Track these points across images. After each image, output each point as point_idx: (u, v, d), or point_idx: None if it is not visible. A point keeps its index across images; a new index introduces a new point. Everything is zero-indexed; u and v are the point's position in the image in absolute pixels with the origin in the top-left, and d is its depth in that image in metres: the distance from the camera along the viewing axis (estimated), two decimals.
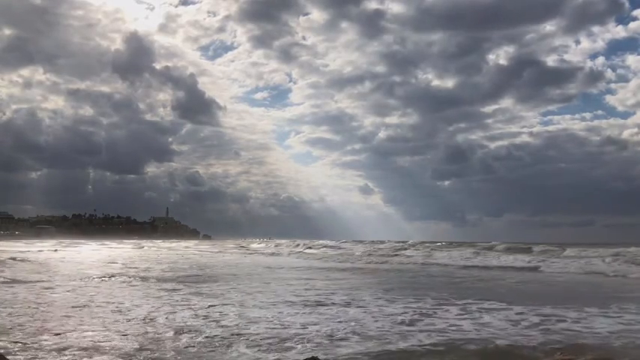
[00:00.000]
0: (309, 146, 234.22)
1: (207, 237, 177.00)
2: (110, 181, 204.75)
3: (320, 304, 11.79)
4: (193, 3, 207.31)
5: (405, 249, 45.70)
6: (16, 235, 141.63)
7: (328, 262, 33.35)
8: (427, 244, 48.38)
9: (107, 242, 79.69)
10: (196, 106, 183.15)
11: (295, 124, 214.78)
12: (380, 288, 15.67)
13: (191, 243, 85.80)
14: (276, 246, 63.42)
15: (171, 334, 8.21)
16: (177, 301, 12.01)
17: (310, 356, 6.51)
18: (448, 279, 20.08)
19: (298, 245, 58.33)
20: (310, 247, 52.29)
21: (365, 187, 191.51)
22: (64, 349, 7.04)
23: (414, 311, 10.72)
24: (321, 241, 69.15)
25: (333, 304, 11.81)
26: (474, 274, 22.54)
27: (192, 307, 11.05)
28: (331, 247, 54.67)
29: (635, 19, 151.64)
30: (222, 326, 8.89)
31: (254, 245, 70.71)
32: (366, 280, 19.35)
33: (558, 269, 23.52)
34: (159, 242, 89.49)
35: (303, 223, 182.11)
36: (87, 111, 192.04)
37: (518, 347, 7.63)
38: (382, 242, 63.92)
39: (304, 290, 14.69)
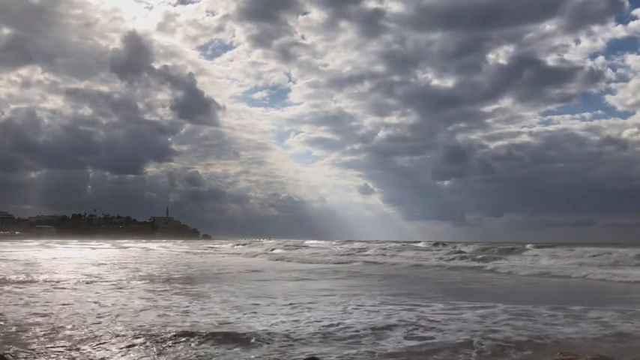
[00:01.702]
0: (309, 146, 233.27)
1: (207, 237, 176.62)
2: (110, 181, 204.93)
3: None
4: (192, 2, 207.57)
5: (385, 248, 45.36)
6: (16, 235, 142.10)
7: (278, 262, 32.94)
8: (414, 245, 48.28)
9: (93, 242, 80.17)
10: (195, 105, 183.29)
11: (295, 124, 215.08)
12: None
13: (171, 243, 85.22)
14: (250, 246, 63.38)
15: None
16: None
17: (310, 356, 6.46)
18: (386, 276, 20.18)
19: (280, 245, 57.66)
20: (275, 248, 51.66)
21: (365, 187, 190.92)
22: None
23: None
24: (313, 241, 68.86)
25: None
26: (415, 273, 22.66)
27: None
28: (309, 247, 54.25)
29: (635, 18, 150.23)
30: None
31: (229, 245, 71.08)
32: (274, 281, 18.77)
33: (507, 268, 23.52)
34: (143, 242, 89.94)
35: (302, 223, 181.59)
36: (86, 111, 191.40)
37: None
38: (369, 242, 63.53)
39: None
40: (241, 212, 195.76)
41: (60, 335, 7.72)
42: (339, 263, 30.19)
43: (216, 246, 71.27)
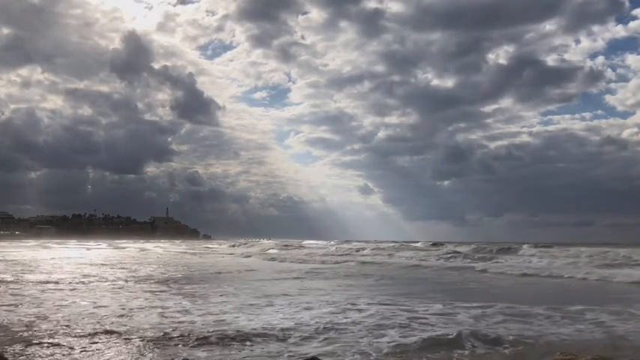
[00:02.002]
0: (309, 146, 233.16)
1: (207, 237, 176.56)
2: (110, 181, 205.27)
3: None
4: (192, 2, 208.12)
5: (381, 248, 45.38)
6: (15, 235, 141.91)
7: (275, 262, 33.00)
8: (412, 245, 48.34)
9: (92, 243, 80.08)
10: (195, 105, 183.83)
11: (295, 124, 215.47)
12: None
13: (169, 244, 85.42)
14: (247, 246, 63.46)
15: None
16: None
17: (310, 356, 6.48)
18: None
19: (278, 245, 57.75)
20: (272, 248, 51.74)
21: (365, 187, 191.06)
22: None
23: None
24: (312, 241, 68.89)
25: None
26: (412, 273, 22.62)
27: None
28: (306, 247, 54.29)
29: (634, 18, 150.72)
30: None
31: (227, 245, 71.19)
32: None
33: (502, 269, 23.64)
34: (141, 242, 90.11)
35: (302, 223, 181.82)
36: (85, 111, 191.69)
37: None
38: (367, 242, 63.57)
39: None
40: (241, 212, 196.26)
41: (57, 335, 7.74)
42: (336, 263, 30.24)
43: (214, 246, 71.34)
